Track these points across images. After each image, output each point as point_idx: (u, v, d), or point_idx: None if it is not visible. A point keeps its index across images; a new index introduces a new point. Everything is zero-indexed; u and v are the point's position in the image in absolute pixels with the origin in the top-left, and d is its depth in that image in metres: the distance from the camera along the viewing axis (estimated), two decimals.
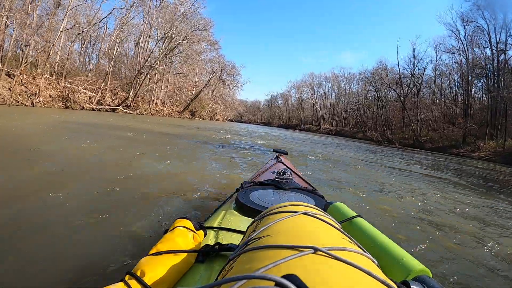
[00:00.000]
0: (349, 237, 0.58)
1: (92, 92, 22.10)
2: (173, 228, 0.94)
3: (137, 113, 24.31)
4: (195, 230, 0.98)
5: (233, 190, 1.84)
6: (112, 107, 22.82)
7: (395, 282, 0.56)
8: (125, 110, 23.63)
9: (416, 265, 0.73)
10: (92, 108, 21.19)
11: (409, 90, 37.63)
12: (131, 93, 22.80)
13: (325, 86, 61.79)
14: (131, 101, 24.03)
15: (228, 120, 54.31)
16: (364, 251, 0.52)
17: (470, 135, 30.44)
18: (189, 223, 0.98)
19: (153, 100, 29.58)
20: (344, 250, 0.46)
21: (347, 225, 1.02)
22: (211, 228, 1.14)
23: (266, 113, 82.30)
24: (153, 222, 2.20)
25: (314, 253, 0.43)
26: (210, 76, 35.81)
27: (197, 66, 38.29)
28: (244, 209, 1.37)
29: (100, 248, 1.79)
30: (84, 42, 27.21)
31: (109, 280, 0.71)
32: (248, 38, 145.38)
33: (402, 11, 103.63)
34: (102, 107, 22.02)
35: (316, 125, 59.13)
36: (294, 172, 2.35)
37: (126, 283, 0.65)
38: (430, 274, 0.71)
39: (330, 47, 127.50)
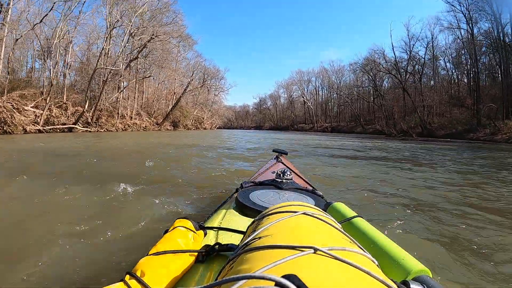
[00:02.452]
0: (349, 237, 0.57)
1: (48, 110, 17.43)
2: (173, 228, 0.92)
3: (98, 131, 19.42)
4: (195, 230, 0.96)
5: (233, 190, 1.84)
6: (67, 126, 18.03)
7: (395, 282, 0.55)
8: (85, 129, 18.84)
9: (416, 265, 0.71)
10: (39, 129, 16.40)
11: (408, 75, 33.63)
12: (86, 107, 17.81)
13: (315, 82, 57.73)
14: (91, 117, 19.22)
15: (217, 128, 49.89)
16: (364, 251, 0.51)
17: (482, 116, 26.43)
18: (189, 223, 0.96)
19: (126, 113, 24.87)
20: (344, 250, 0.45)
21: (347, 225, 0.99)
22: (211, 228, 1.11)
23: (256, 116, 78.42)
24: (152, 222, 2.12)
25: (314, 253, 0.42)
26: (189, 80, 30.91)
27: (175, 70, 33.72)
28: (244, 209, 1.34)
29: (100, 247, 1.75)
30: (46, 55, 22.44)
31: (109, 280, 0.67)
32: (230, 43, 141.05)
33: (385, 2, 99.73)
34: (53, 127, 17.22)
35: (310, 124, 55.10)
36: (294, 172, 2.24)
37: (126, 283, 0.63)
38: (430, 274, 0.70)
39: (313, 47, 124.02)
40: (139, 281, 0.65)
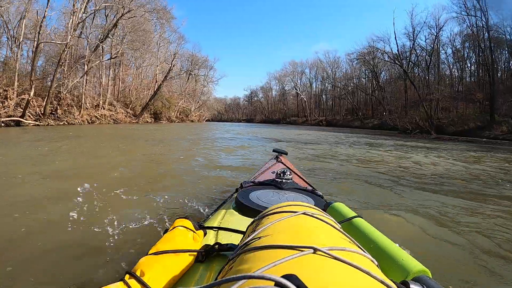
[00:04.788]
0: (348, 237, 0.56)
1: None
2: (173, 228, 0.90)
3: (50, 124, 15.32)
4: (195, 230, 0.94)
5: (233, 190, 1.82)
6: (12, 119, 13.98)
7: (394, 283, 0.54)
8: (36, 122, 14.81)
9: (416, 265, 0.70)
10: None
11: (412, 66, 30.38)
12: (31, 94, 13.61)
13: (309, 74, 54.05)
14: (44, 107, 15.12)
15: (206, 121, 46.00)
16: (364, 251, 0.50)
17: (498, 112, 23.48)
18: (189, 223, 0.94)
19: (96, 103, 20.79)
20: (343, 250, 0.45)
21: (347, 225, 0.97)
22: (211, 228, 1.09)
23: (247, 109, 74.51)
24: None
25: (313, 253, 0.42)
26: (170, 65, 26.61)
27: (157, 56, 29.55)
28: (244, 209, 1.31)
29: (100, 247, 1.68)
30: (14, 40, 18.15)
31: (108, 279, 0.67)
32: (219, 32, 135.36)
33: None
34: None
35: (303, 117, 51.69)
36: (294, 172, 2.21)
37: (126, 283, 0.62)
38: (430, 274, 0.68)
39: (304, 39, 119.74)
40: (139, 280, 0.64)
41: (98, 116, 19.27)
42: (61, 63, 14.27)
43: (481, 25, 26.14)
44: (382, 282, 0.38)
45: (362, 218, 0.99)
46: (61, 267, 1.51)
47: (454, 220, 2.46)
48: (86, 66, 17.02)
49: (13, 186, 3.05)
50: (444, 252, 1.83)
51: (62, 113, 16.89)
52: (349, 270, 0.39)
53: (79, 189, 2.51)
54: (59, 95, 16.31)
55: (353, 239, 0.56)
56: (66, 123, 16.84)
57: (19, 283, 1.35)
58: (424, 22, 28.76)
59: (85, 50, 19.57)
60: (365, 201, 2.97)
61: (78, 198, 2.40)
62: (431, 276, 0.67)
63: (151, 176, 3.90)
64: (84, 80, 18.02)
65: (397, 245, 0.81)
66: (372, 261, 0.48)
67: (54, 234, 1.93)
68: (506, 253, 1.84)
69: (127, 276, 0.65)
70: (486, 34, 25.80)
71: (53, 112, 16.88)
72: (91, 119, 18.80)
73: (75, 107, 17.29)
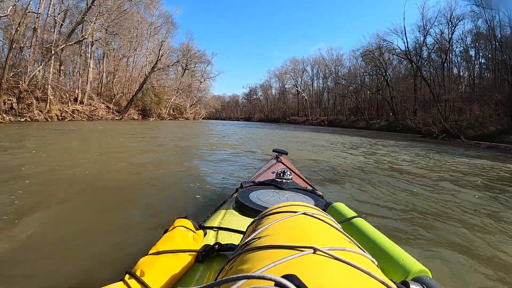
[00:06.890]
0: (349, 237, 0.56)
1: None
2: (173, 228, 0.88)
3: (4, 122, 12.38)
4: (194, 230, 0.92)
5: (233, 190, 1.77)
6: None
7: (394, 283, 0.54)
8: None
9: (416, 265, 0.69)
10: None
11: (422, 63, 27.60)
12: None
13: (311, 72, 51.16)
14: None
15: (202, 119, 43.05)
16: (364, 252, 0.50)
17: None
18: (189, 223, 0.92)
19: (70, 96, 17.85)
20: (343, 250, 0.44)
21: (347, 225, 0.95)
22: (211, 228, 1.07)
23: (246, 107, 71.59)
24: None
25: (313, 253, 0.41)
26: (158, 55, 23.50)
27: (147, 46, 26.59)
28: (244, 209, 1.28)
29: (100, 247, 1.67)
30: None
31: (108, 279, 0.67)
32: (219, 29, 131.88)
33: None
34: None
35: (303, 116, 48.90)
36: (294, 172, 2.15)
37: (126, 283, 0.61)
38: (430, 274, 0.67)
39: (306, 39, 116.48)
40: (139, 280, 0.63)
41: (70, 112, 16.31)
42: (15, 46, 11.37)
43: (498, 21, 23.52)
44: (382, 282, 0.38)
45: (362, 218, 0.96)
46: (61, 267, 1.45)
47: None
48: (52, 51, 14.08)
49: None
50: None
51: (23, 108, 13.97)
52: (349, 270, 0.38)
53: None
54: (17, 86, 13.38)
55: (353, 239, 0.55)
56: (28, 119, 13.93)
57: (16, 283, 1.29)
58: (439, 12, 25.91)
59: (61, 36, 16.71)
60: None
61: None
62: (431, 276, 0.66)
63: None
64: (51, 70, 15.08)
65: (397, 245, 0.78)
66: (372, 261, 0.47)
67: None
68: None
69: (127, 276, 0.64)
70: (508, 30, 23.26)
71: (13, 107, 13.99)
72: (61, 115, 15.89)
73: (40, 101, 14.32)
